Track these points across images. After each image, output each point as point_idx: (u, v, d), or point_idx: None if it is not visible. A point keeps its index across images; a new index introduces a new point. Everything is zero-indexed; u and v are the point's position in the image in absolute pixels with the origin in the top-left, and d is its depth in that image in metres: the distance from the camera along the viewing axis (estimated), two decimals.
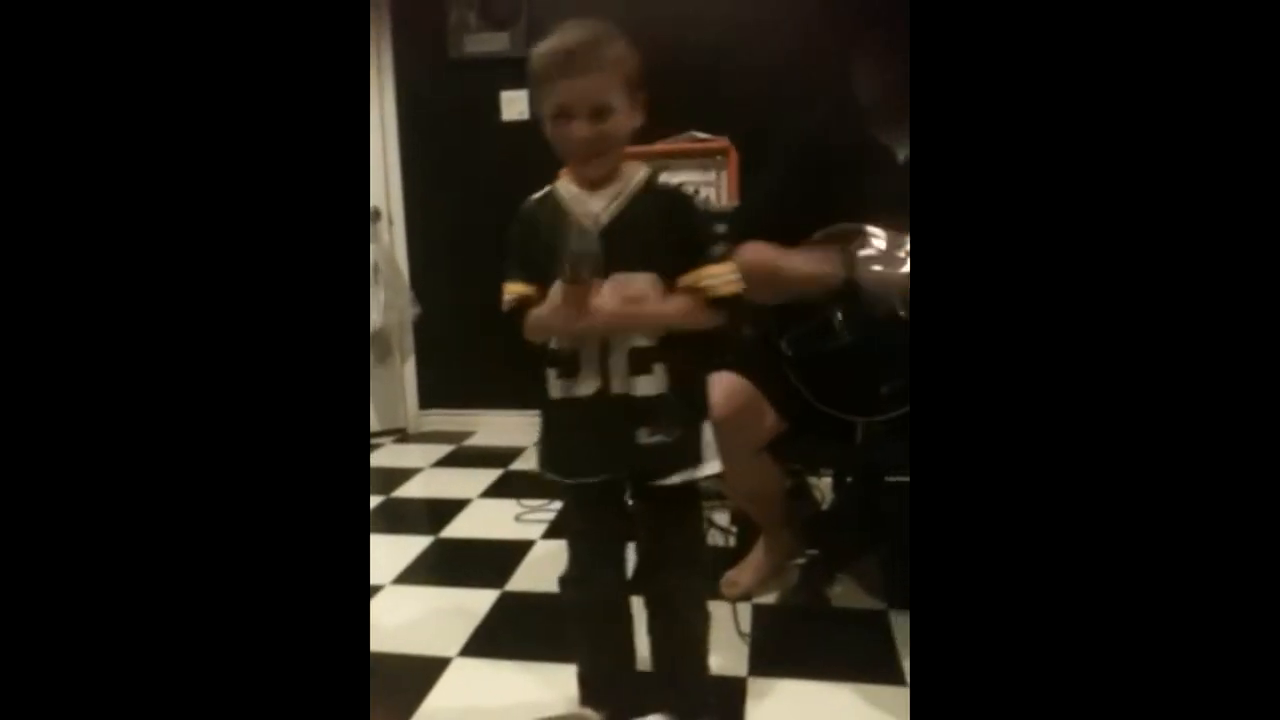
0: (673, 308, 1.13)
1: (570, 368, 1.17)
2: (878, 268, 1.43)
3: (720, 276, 1.13)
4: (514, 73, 2.96)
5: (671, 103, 2.82)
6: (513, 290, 1.18)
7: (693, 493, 1.24)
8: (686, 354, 1.17)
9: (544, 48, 1.10)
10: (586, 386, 1.16)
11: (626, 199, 1.15)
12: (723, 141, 2.58)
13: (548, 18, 2.91)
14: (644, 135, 2.56)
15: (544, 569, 1.99)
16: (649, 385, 1.15)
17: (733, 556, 1.88)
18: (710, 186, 2.56)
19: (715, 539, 2.08)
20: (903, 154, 1.53)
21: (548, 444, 1.23)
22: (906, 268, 1.41)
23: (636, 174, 1.17)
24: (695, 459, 1.19)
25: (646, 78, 1.13)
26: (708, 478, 1.20)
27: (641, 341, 1.15)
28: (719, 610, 1.70)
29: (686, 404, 1.18)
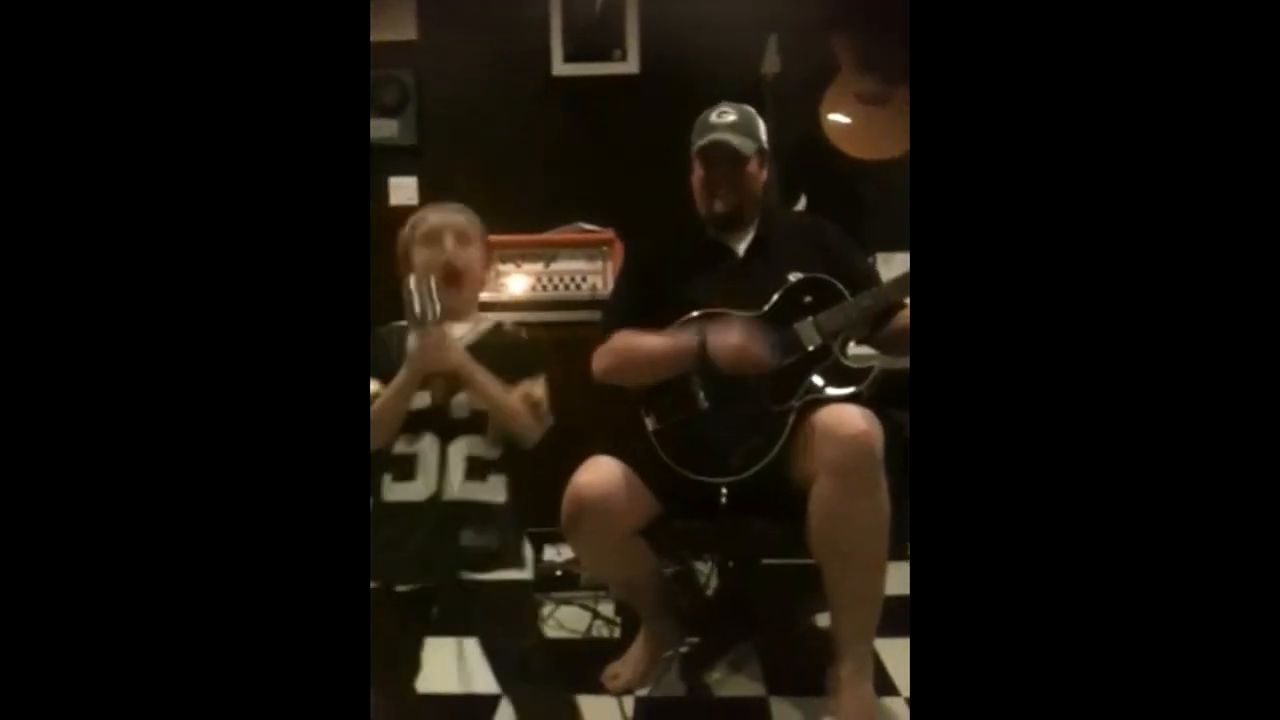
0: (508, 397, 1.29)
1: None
2: (726, 340, 1.56)
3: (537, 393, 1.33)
4: (403, 159, 2.97)
5: (560, 194, 2.91)
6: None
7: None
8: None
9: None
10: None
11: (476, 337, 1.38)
12: (608, 234, 2.65)
13: (437, 108, 2.98)
14: (533, 225, 2.59)
15: None
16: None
17: (617, 648, 1.85)
18: (597, 275, 2.61)
19: (600, 630, 2.05)
20: (741, 248, 1.75)
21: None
22: (750, 342, 1.55)
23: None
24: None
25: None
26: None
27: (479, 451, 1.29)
28: (607, 705, 1.67)
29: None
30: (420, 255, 1.35)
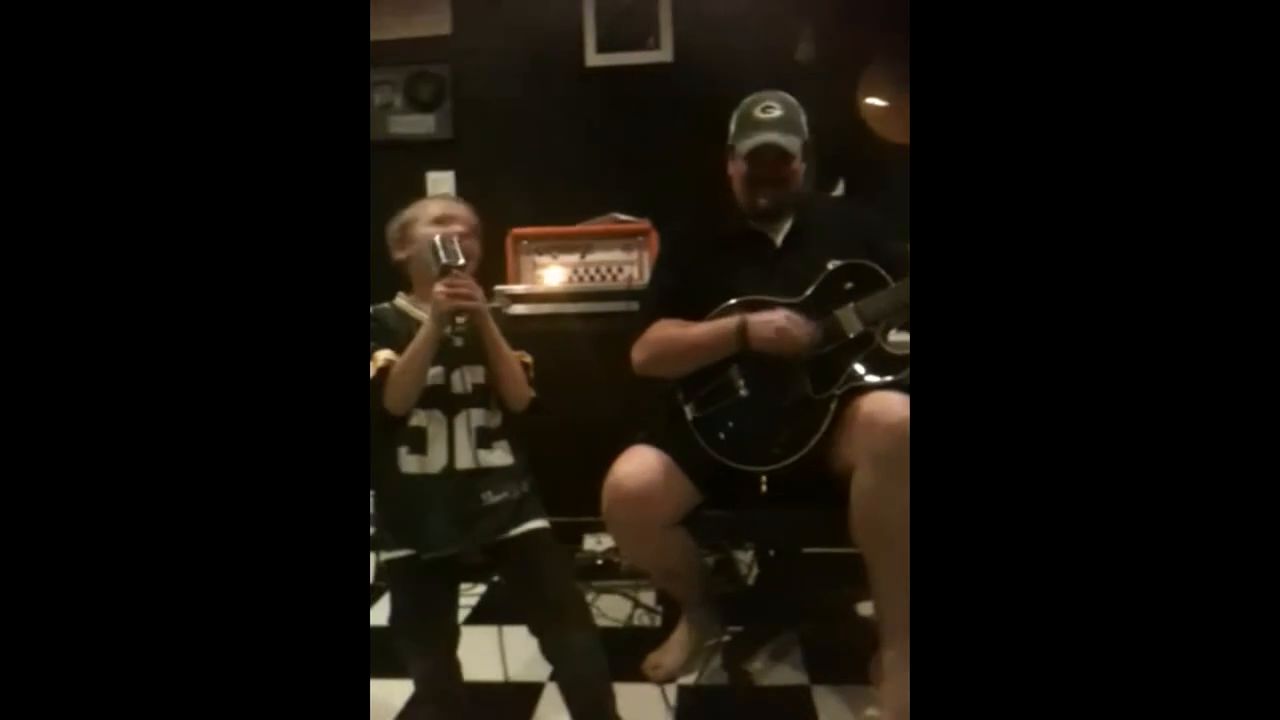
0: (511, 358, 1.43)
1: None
2: (767, 323, 1.56)
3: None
4: (439, 154, 3.00)
5: (595, 185, 2.91)
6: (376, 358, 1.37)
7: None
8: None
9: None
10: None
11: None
12: (644, 224, 2.65)
13: (472, 102, 3.00)
14: (568, 216, 2.59)
15: None
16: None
17: (659, 637, 1.86)
18: (633, 265, 2.62)
19: (641, 619, 2.06)
20: (779, 237, 1.74)
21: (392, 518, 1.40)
22: (791, 324, 1.56)
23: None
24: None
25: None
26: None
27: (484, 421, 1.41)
28: (649, 694, 1.67)
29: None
30: (432, 229, 1.45)
